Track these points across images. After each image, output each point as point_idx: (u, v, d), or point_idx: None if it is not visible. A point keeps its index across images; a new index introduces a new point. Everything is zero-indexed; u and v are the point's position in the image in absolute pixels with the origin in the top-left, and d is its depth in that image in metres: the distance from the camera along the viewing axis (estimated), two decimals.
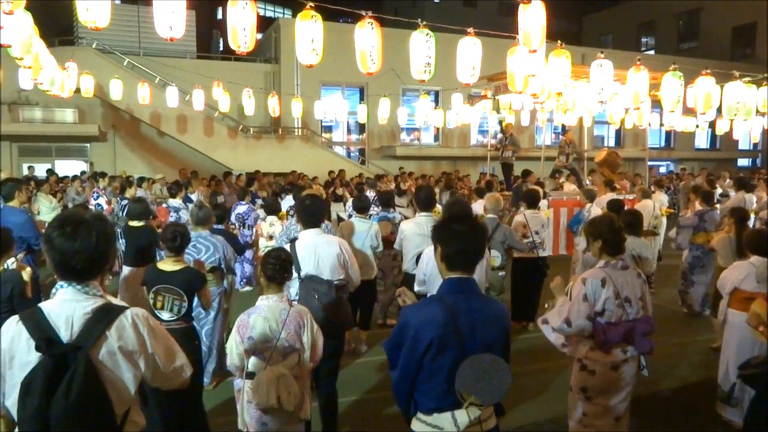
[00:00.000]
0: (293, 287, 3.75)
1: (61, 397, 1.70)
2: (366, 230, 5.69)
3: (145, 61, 16.47)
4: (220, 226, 5.91)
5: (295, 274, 3.66)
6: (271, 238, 6.36)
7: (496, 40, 7.18)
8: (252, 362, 3.00)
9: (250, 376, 3.00)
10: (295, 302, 3.26)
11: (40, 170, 15.17)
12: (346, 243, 4.04)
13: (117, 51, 16.37)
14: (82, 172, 14.20)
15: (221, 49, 21.39)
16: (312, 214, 3.94)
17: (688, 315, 7.08)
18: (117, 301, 1.96)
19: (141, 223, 5.69)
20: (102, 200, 9.12)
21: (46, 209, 9.86)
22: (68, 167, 16.19)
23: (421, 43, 6.23)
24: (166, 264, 3.73)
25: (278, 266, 3.07)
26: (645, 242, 5.13)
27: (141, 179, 12.86)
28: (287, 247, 3.72)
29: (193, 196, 10.01)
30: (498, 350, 2.12)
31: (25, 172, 15.03)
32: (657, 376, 5.17)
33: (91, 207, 9.48)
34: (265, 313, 2.99)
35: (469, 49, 6.64)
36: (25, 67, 7.23)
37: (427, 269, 3.90)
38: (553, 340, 3.32)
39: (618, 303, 3.12)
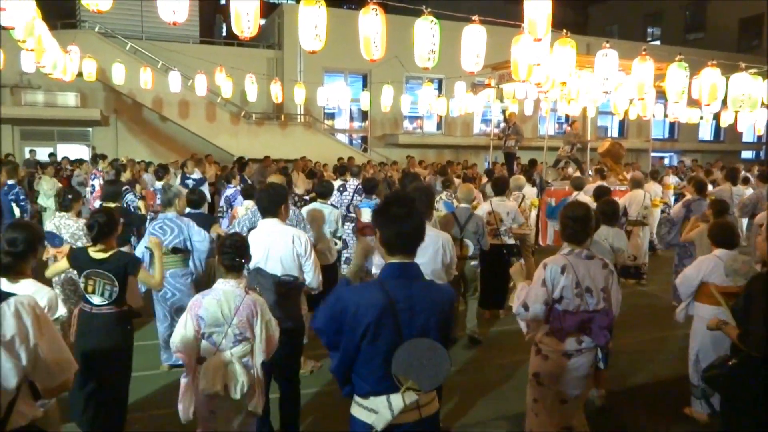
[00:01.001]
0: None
1: None
2: (327, 215, 5.76)
3: (147, 46, 16.38)
4: (198, 211, 5.87)
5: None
6: None
7: (501, 28, 7.15)
8: (203, 346, 2.98)
9: (201, 361, 2.98)
10: (252, 291, 3.17)
11: (42, 154, 15.15)
12: (305, 237, 3.80)
13: (119, 35, 16.28)
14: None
15: (224, 34, 21.29)
16: (265, 202, 3.78)
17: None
18: (7, 288, 1.89)
19: (114, 205, 5.72)
20: (97, 182, 9.17)
21: (44, 192, 9.90)
22: (70, 151, 16.16)
23: (426, 30, 6.19)
24: (95, 251, 3.58)
25: (235, 254, 3.03)
26: (620, 232, 5.05)
27: (148, 164, 12.90)
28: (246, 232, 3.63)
29: (194, 176, 10.03)
30: (436, 336, 2.10)
31: (27, 155, 15.03)
32: (640, 368, 5.23)
33: (88, 189, 9.52)
34: (220, 297, 2.96)
35: (474, 37, 6.60)
36: (28, 50, 7.21)
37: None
38: (522, 326, 3.35)
39: (577, 292, 3.08)
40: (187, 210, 5.87)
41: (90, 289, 3.52)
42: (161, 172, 9.23)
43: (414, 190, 3.97)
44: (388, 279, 2.15)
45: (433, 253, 3.74)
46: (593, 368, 3.23)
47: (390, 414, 2.06)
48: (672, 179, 13.51)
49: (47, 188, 10.00)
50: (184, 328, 2.98)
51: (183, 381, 3.05)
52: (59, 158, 14.24)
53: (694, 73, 8.43)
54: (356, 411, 2.16)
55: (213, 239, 5.12)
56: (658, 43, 26.96)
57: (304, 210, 5.70)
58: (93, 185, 9.29)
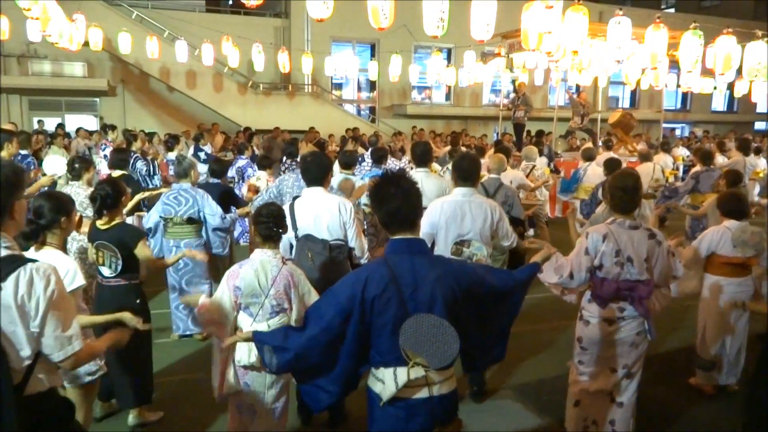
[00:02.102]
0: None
1: None
2: (355, 186, 5.68)
3: (153, 14, 16.22)
4: (217, 181, 5.91)
5: (292, 234, 3.59)
6: (257, 191, 6.37)
7: None
8: (240, 318, 2.97)
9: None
10: (290, 261, 3.14)
11: (51, 124, 15.15)
12: (350, 205, 3.83)
13: (125, 3, 16.12)
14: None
15: (230, 2, 21.03)
16: (313, 171, 3.80)
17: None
18: (31, 255, 1.90)
19: (121, 173, 5.75)
20: (108, 151, 9.23)
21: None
22: (78, 122, 16.16)
23: None
24: (101, 222, 3.57)
25: (272, 223, 2.99)
26: (644, 201, 5.05)
27: (152, 134, 12.89)
28: (282, 203, 3.62)
29: (207, 148, 10.05)
30: (442, 312, 2.08)
31: (35, 125, 15.04)
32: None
33: (99, 159, 9.54)
34: (257, 266, 2.93)
35: (484, 5, 6.49)
36: (33, 18, 7.17)
37: None
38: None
39: (617, 261, 3.08)
40: (209, 180, 5.91)
41: (100, 260, 3.54)
42: (171, 142, 9.21)
43: (462, 157, 3.92)
44: (391, 254, 2.18)
45: (482, 220, 3.70)
46: (642, 338, 3.21)
47: (394, 386, 2.08)
48: (681, 151, 13.37)
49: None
50: (219, 299, 2.96)
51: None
52: (65, 129, 14.17)
53: (708, 42, 8.27)
54: (370, 381, 2.20)
55: (232, 219, 5.15)
56: (672, 10, 26.38)
57: (335, 180, 5.59)
58: (105, 155, 9.32)
